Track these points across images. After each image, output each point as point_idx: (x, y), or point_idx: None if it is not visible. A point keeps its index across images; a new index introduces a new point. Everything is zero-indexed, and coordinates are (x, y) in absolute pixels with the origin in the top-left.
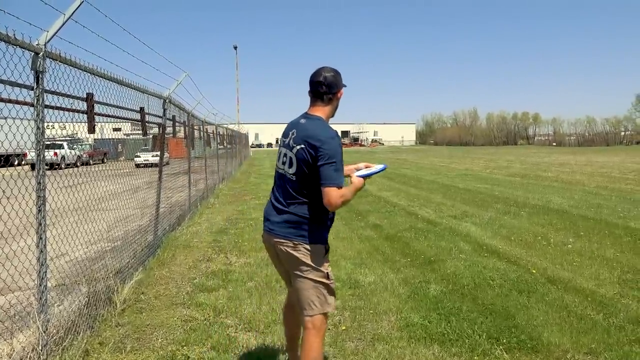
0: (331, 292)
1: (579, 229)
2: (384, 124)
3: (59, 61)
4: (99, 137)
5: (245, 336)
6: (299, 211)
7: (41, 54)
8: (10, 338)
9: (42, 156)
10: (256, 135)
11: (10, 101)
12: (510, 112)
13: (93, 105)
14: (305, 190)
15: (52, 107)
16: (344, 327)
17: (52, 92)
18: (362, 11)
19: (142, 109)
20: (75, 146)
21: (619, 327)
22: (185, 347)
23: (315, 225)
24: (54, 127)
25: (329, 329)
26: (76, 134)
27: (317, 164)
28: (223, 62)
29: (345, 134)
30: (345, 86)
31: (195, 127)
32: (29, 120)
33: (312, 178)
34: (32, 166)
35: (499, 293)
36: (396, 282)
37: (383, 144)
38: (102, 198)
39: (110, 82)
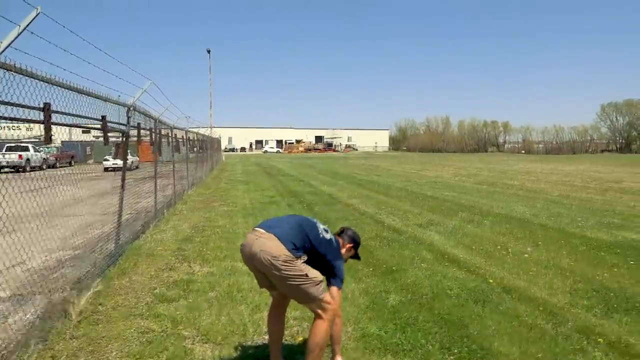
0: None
1: (538, 238)
2: (358, 129)
3: (14, 71)
4: (67, 139)
5: (202, 348)
6: None
7: None
8: None
9: None
10: (229, 139)
11: None
12: (481, 120)
13: (50, 116)
14: None
15: (5, 118)
16: (301, 338)
17: (6, 103)
18: (336, 18)
19: (103, 117)
20: (41, 148)
21: (566, 336)
22: None
23: None
24: (19, 129)
25: (286, 339)
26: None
27: None
28: (198, 66)
29: (319, 139)
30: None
31: (163, 133)
32: None
33: None
34: None
35: (455, 303)
36: (357, 292)
37: (357, 150)
38: (66, 203)
39: (71, 92)
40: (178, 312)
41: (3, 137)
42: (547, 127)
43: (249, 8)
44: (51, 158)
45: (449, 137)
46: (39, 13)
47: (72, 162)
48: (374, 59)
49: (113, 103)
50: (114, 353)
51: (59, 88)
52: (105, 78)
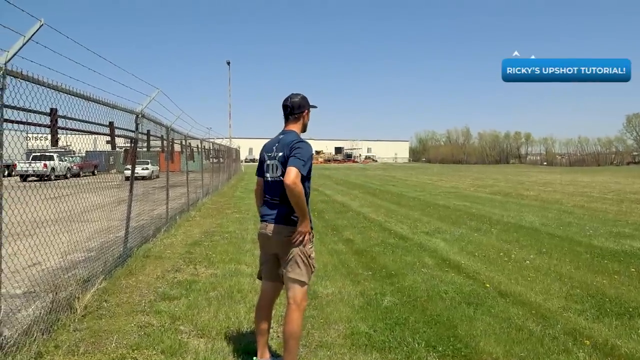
0: (311, 266)
1: (543, 246)
2: (378, 140)
3: (20, 78)
4: (92, 149)
5: (196, 342)
6: (287, 204)
7: (1, 72)
8: None
9: (0, 167)
10: (250, 150)
11: None
12: (502, 131)
13: (57, 120)
14: None
15: (11, 121)
16: None
17: (14, 107)
18: (357, 28)
19: (111, 123)
20: (65, 158)
21: (553, 338)
22: (135, 351)
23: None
24: (46, 139)
25: (277, 337)
26: (69, 145)
27: (289, 156)
28: (219, 78)
29: (338, 150)
30: (315, 107)
31: (176, 142)
32: (16, 131)
33: None
34: (22, 177)
35: (448, 305)
36: (353, 294)
37: (376, 161)
38: (86, 210)
39: (79, 99)
40: (178, 309)
41: (30, 147)
42: (570, 139)
43: (269, 19)
44: (75, 167)
45: (470, 148)
46: (42, 24)
47: (95, 171)
48: (394, 70)
49: (120, 110)
50: (113, 344)
51: (67, 95)
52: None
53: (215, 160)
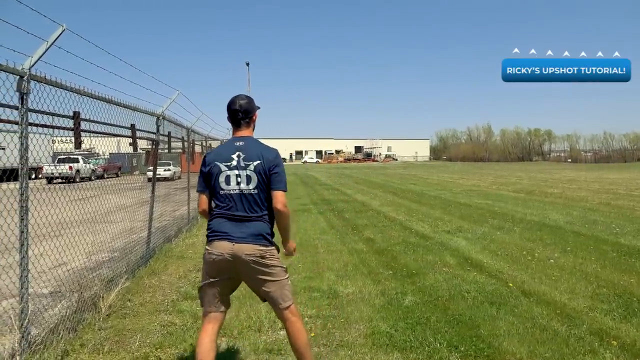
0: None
1: (567, 245)
2: (398, 139)
3: (44, 83)
4: (115, 151)
5: (218, 341)
6: (262, 220)
7: (26, 77)
8: None
9: (25, 169)
10: None
11: None
12: (525, 128)
13: (79, 123)
14: (263, 201)
15: (36, 125)
16: (312, 334)
17: (37, 111)
18: (375, 26)
19: (132, 125)
20: (90, 160)
21: (579, 338)
22: (159, 350)
23: (272, 231)
24: (71, 142)
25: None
26: (93, 148)
27: (271, 173)
28: (238, 80)
29: (358, 149)
30: (259, 108)
31: (197, 143)
32: (45, 135)
33: (267, 187)
34: (48, 179)
35: (470, 305)
36: (374, 294)
37: (396, 160)
38: (110, 211)
39: (100, 102)
40: (200, 309)
41: (57, 150)
42: (595, 135)
43: (287, 17)
44: (99, 169)
45: (492, 146)
46: (64, 30)
47: (119, 173)
48: (413, 68)
49: (142, 112)
50: (137, 343)
51: (89, 98)
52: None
53: None
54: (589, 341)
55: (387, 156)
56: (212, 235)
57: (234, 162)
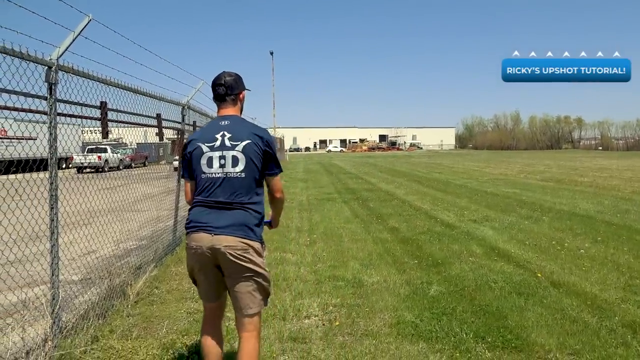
0: (268, 291)
1: (598, 235)
2: (423, 127)
3: (72, 73)
4: (143, 141)
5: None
6: (248, 208)
7: (53, 67)
8: (29, 325)
9: (55, 159)
10: (294, 139)
11: (25, 110)
12: (554, 116)
13: (106, 113)
14: (253, 186)
15: (64, 115)
16: (337, 323)
17: (65, 101)
18: (398, 16)
19: (158, 115)
20: (118, 150)
21: (610, 330)
22: (185, 337)
23: (260, 222)
24: (99, 132)
25: (323, 324)
26: (121, 138)
27: (265, 156)
28: (262, 69)
29: (382, 138)
30: (248, 90)
31: None
32: (74, 125)
33: (259, 171)
34: (78, 169)
35: (497, 295)
36: (399, 283)
37: (421, 148)
38: (138, 200)
39: (127, 92)
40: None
41: (86, 140)
42: (628, 122)
43: (312, 6)
44: (127, 159)
45: (519, 134)
46: (90, 20)
47: (146, 162)
48: (439, 55)
49: (167, 102)
50: (164, 330)
51: (116, 88)
52: (161, 80)
53: None
54: (621, 333)
55: (411, 145)
56: (190, 226)
57: (218, 143)
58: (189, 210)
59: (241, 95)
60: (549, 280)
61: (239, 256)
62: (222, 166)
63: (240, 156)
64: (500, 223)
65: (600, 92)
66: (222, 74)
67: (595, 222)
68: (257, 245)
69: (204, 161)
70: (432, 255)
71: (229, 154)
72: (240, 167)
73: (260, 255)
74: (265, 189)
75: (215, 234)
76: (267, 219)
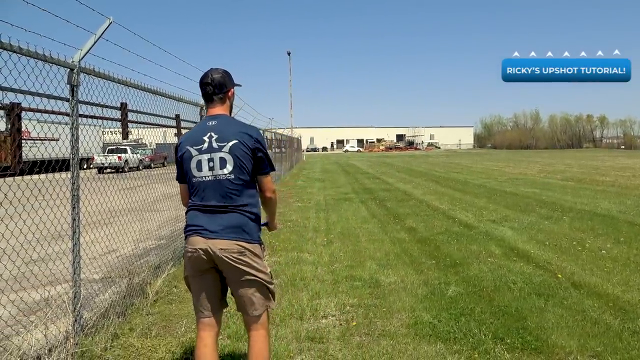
0: (273, 290)
1: (621, 235)
2: (440, 127)
3: (93, 75)
4: (162, 142)
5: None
6: (242, 210)
7: (75, 69)
8: (51, 323)
9: (76, 159)
10: (311, 139)
11: (48, 112)
12: (574, 114)
13: (127, 114)
14: (245, 186)
15: (85, 116)
16: (354, 323)
17: (87, 103)
18: (417, 15)
19: (177, 116)
20: (137, 150)
21: (633, 333)
22: None
23: (257, 223)
24: (119, 133)
25: (340, 324)
26: (141, 139)
27: (255, 155)
28: (280, 69)
29: (400, 137)
30: (239, 85)
31: None
32: (95, 126)
33: (249, 171)
34: (99, 169)
35: (517, 296)
36: (416, 283)
37: (439, 148)
38: (157, 200)
39: (146, 93)
40: None
41: (106, 141)
42: None
43: (328, 5)
44: (146, 159)
45: (539, 133)
46: (111, 22)
47: (165, 162)
48: (457, 54)
49: (186, 102)
50: (183, 328)
51: (136, 90)
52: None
53: (277, 150)
54: None
55: (429, 144)
56: (187, 230)
57: (205, 145)
58: (185, 214)
59: (230, 93)
60: (569, 281)
61: (235, 259)
62: (211, 169)
63: (228, 157)
64: (520, 223)
65: (619, 90)
66: (209, 71)
67: (617, 223)
68: (253, 246)
69: (193, 165)
70: (450, 255)
71: (217, 156)
72: (229, 168)
73: (258, 257)
74: None
75: (209, 238)
76: (263, 220)
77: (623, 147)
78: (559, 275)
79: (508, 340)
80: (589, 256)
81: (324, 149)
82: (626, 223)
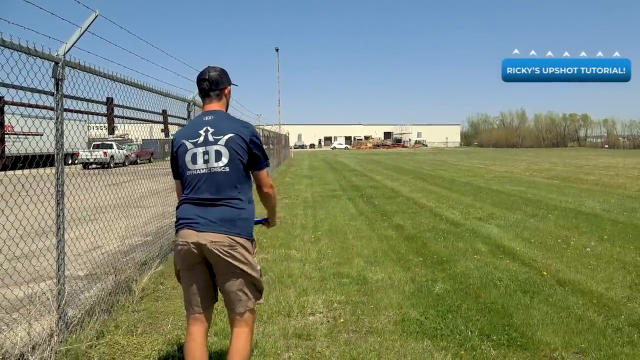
0: (261, 287)
1: (604, 233)
2: (428, 125)
3: (78, 69)
4: (148, 138)
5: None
6: (234, 204)
7: (60, 63)
8: (35, 320)
9: (61, 155)
10: (299, 136)
11: (32, 106)
12: (559, 113)
13: (113, 109)
14: (239, 180)
15: (71, 111)
16: (342, 320)
17: (72, 97)
18: (404, 12)
19: (164, 111)
20: (123, 146)
21: (616, 329)
22: None
23: (250, 218)
24: (105, 128)
25: (327, 321)
26: (127, 134)
27: (250, 150)
28: (270, 63)
29: (387, 135)
30: (235, 85)
31: None
32: (80, 121)
33: (244, 165)
34: (84, 165)
35: (503, 293)
36: (404, 280)
37: (426, 145)
38: (143, 196)
39: (133, 88)
40: None
41: (92, 137)
42: (634, 120)
43: (316, 2)
44: (132, 155)
45: (525, 131)
46: (97, 16)
47: (151, 158)
48: (444, 52)
49: (173, 98)
50: (169, 326)
51: (122, 84)
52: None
53: (265, 147)
54: (628, 332)
55: (416, 142)
56: (178, 223)
57: (201, 139)
58: (176, 208)
59: (226, 91)
60: (554, 279)
61: (225, 252)
62: (206, 162)
63: (224, 150)
64: (506, 221)
65: (603, 90)
66: (206, 69)
67: (601, 221)
68: (244, 241)
69: (188, 158)
70: (437, 252)
71: (212, 149)
72: (224, 161)
73: (249, 252)
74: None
75: (200, 231)
76: (263, 217)
77: (607, 146)
78: (544, 273)
79: (494, 337)
80: (574, 254)
81: (312, 146)
82: (610, 221)
